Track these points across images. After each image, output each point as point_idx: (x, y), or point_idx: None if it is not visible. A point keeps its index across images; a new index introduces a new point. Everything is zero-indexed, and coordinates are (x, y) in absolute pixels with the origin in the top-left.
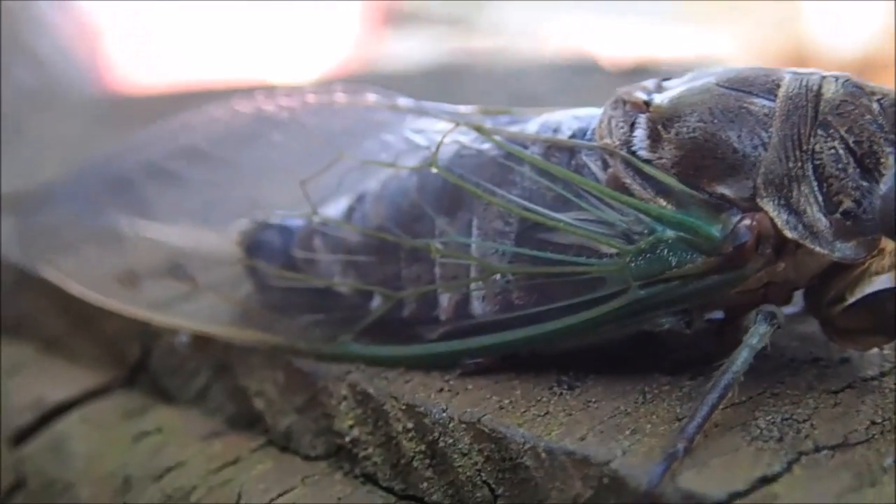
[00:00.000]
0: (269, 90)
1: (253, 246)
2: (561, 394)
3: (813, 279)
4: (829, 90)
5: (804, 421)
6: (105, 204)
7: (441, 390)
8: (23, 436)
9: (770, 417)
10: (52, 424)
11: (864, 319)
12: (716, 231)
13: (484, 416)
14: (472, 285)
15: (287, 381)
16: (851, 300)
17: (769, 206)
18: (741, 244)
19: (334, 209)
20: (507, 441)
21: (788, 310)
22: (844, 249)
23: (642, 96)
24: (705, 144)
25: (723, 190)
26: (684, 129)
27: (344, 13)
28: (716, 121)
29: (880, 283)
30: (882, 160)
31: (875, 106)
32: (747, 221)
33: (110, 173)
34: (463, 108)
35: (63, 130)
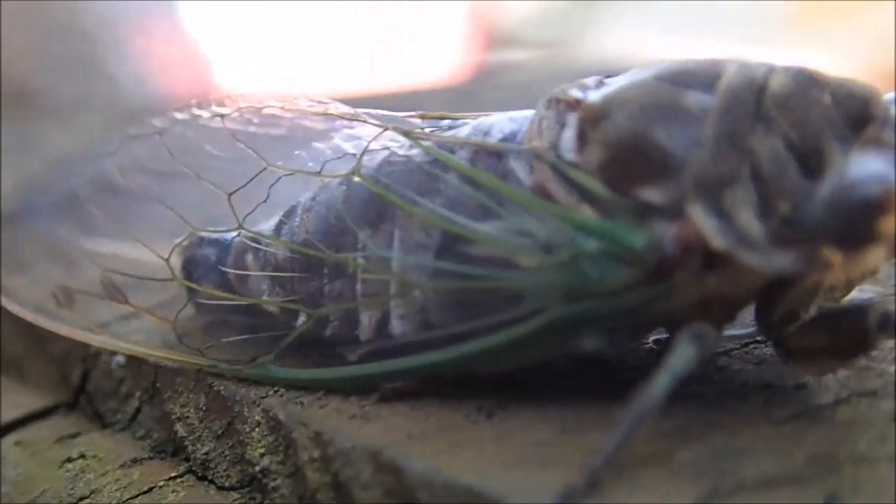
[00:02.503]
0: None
1: (190, 262)
2: (477, 422)
3: (757, 294)
4: (776, 82)
5: (735, 455)
6: (53, 219)
7: (353, 417)
8: None
9: (699, 449)
10: None
11: (818, 340)
12: (639, 241)
13: (387, 446)
14: (392, 303)
15: (208, 405)
16: (806, 319)
17: (697, 212)
18: (665, 256)
19: (268, 223)
20: (406, 474)
21: (744, 329)
22: (781, 261)
23: (576, 94)
24: (632, 144)
25: (649, 195)
26: (611, 128)
27: (445, 37)
28: (645, 118)
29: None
30: (827, 158)
31: (827, 98)
32: (673, 230)
33: (62, 188)
34: (401, 114)
35: None
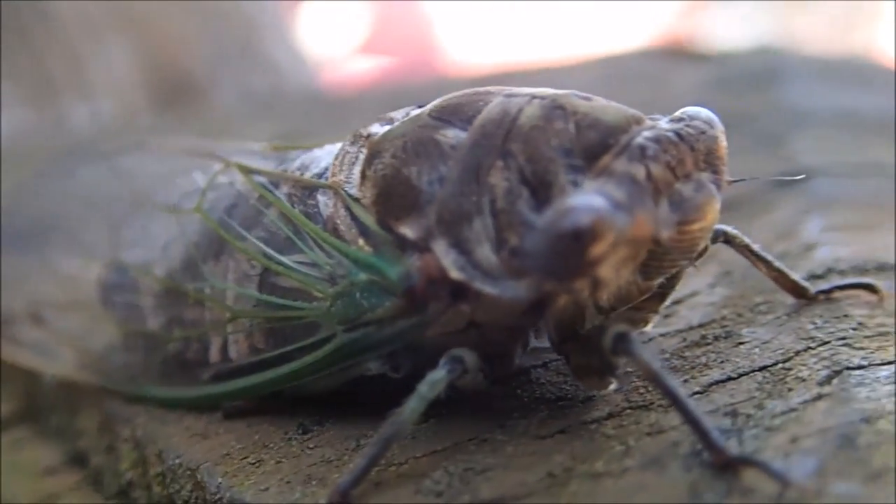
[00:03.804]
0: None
1: (104, 287)
2: (292, 439)
3: (525, 317)
4: (525, 115)
5: (484, 471)
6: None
7: (195, 435)
8: None
9: (453, 468)
10: None
11: (580, 360)
12: (395, 274)
13: (204, 463)
14: (228, 328)
15: (101, 422)
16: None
17: (439, 246)
18: (410, 287)
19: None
20: (207, 490)
21: None
22: (513, 290)
23: (372, 129)
24: (391, 182)
25: (404, 230)
26: (379, 166)
27: None
28: (405, 156)
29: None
30: (556, 190)
31: (571, 128)
32: (417, 263)
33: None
34: (255, 146)
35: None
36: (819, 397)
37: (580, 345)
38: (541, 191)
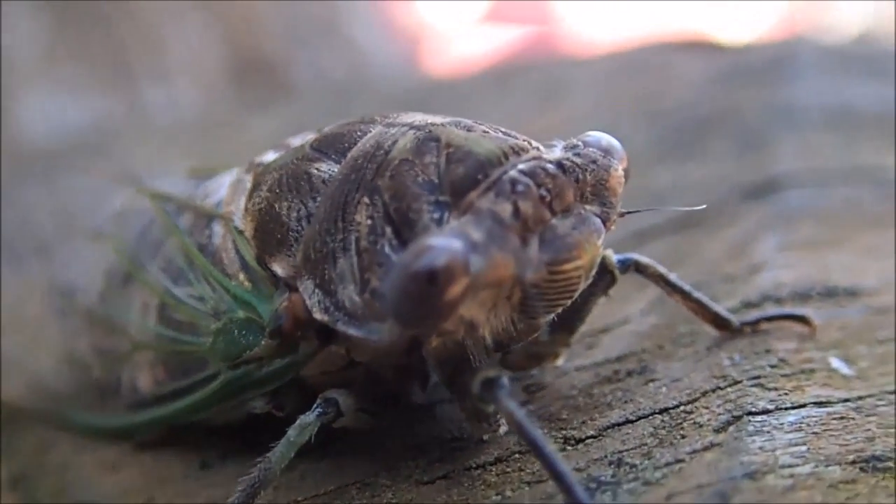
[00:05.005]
0: None
1: (51, 310)
2: (189, 475)
3: (406, 356)
4: (397, 148)
5: None
6: None
7: (105, 467)
8: None
9: None
10: None
11: (461, 403)
12: (266, 312)
13: (102, 499)
14: (135, 358)
15: (34, 446)
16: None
17: (305, 286)
18: (277, 327)
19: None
20: None
21: None
22: (377, 332)
23: (265, 158)
24: (264, 217)
25: (276, 267)
26: (257, 199)
27: None
28: (279, 190)
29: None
30: (419, 229)
31: (441, 162)
32: (285, 303)
33: None
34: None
35: None
36: (710, 447)
37: (460, 388)
38: (404, 229)
